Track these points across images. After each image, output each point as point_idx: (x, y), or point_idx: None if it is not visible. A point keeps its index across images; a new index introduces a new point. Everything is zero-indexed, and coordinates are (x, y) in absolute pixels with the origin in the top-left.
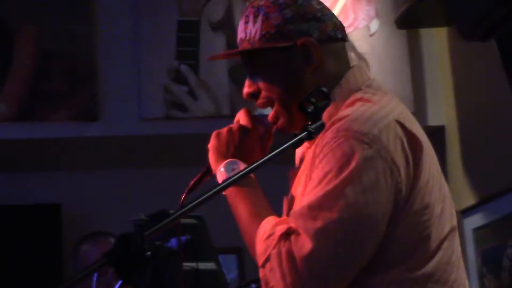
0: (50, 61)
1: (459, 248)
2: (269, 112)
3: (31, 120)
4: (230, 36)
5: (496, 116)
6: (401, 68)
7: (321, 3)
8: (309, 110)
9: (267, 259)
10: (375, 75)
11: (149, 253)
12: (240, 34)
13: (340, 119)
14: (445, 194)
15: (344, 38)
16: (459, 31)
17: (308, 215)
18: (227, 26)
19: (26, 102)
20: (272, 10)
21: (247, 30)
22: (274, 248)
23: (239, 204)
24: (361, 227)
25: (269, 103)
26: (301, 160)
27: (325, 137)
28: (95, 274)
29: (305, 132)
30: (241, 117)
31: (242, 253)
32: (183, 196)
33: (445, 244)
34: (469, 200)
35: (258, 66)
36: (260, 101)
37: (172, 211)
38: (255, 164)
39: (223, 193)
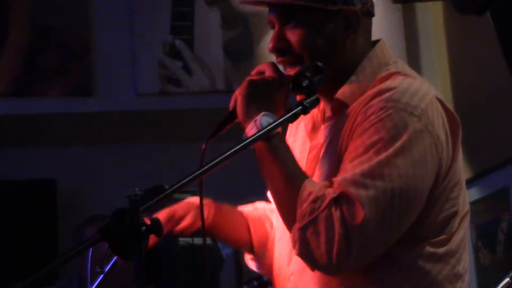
0: (45, 36)
1: None
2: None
3: (26, 96)
4: (225, 11)
5: (491, 90)
6: (396, 43)
7: None
8: (303, 84)
9: (313, 221)
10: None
11: (144, 228)
12: None
13: (386, 91)
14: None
15: (374, 15)
16: (454, 4)
17: (360, 183)
18: (222, 1)
19: (20, 78)
20: None
21: None
22: (323, 211)
23: (275, 161)
24: (408, 198)
25: (299, 61)
26: (312, 129)
27: (370, 107)
28: (90, 250)
29: (300, 107)
30: (268, 70)
31: None
32: (205, 144)
33: (464, 222)
34: (464, 174)
35: (298, 23)
36: (288, 58)
37: (167, 186)
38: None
39: (253, 147)
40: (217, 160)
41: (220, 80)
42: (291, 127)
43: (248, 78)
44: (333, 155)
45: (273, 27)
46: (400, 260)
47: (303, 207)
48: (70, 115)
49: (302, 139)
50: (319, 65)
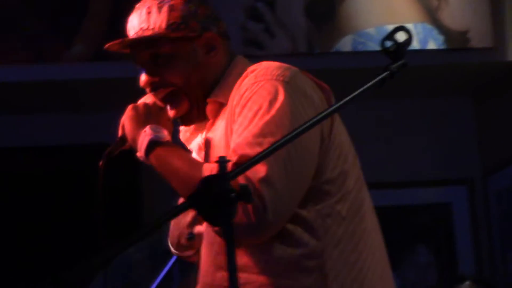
0: (127, 0)
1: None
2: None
3: (107, 60)
4: None
5: None
6: (480, 2)
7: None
8: (391, 49)
9: None
10: (454, 11)
11: (233, 194)
12: (141, 24)
13: (253, 70)
14: (351, 146)
15: (228, 37)
16: None
17: (253, 142)
18: None
19: (102, 42)
20: (177, 3)
21: (150, 20)
22: None
23: (174, 158)
24: (302, 148)
25: (172, 93)
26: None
27: (242, 87)
28: None
29: (387, 72)
30: (150, 99)
31: None
32: (101, 164)
33: (359, 184)
34: None
35: (164, 55)
36: (162, 92)
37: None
38: (321, 115)
39: (150, 160)
40: None
41: (301, 42)
42: None
43: (131, 105)
44: (222, 144)
45: (141, 65)
46: (309, 218)
47: None
48: None
49: None
50: (405, 28)
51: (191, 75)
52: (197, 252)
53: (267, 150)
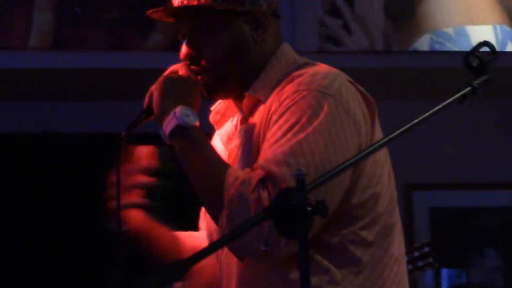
0: None
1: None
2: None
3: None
4: None
5: None
6: None
7: None
8: (474, 64)
9: (243, 205)
10: None
11: (309, 208)
12: None
13: (297, 76)
14: (390, 166)
15: (279, 16)
16: None
17: (283, 161)
18: None
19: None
20: None
21: None
22: (252, 193)
23: (197, 151)
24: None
25: (209, 71)
26: (228, 140)
27: (283, 93)
28: None
29: (469, 87)
30: (182, 70)
31: None
32: (123, 135)
33: (392, 205)
34: None
35: (208, 27)
36: (199, 68)
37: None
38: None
39: (172, 142)
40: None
41: (379, 40)
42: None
43: (163, 76)
44: (252, 150)
45: (182, 37)
46: (332, 244)
47: (231, 192)
48: None
49: (220, 152)
50: (490, 44)
51: (233, 51)
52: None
53: (331, 173)
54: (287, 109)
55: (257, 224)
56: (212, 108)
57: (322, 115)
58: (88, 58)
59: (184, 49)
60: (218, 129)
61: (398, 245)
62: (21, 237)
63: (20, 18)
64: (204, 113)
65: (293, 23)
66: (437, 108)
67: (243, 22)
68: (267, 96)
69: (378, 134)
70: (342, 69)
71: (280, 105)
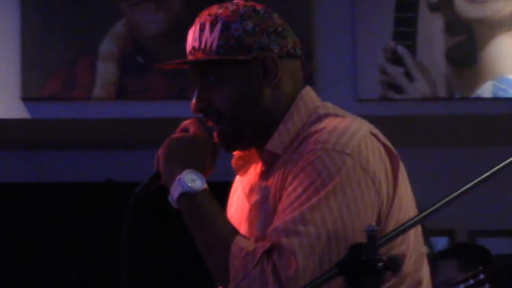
0: None
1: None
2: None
3: None
4: (449, 17)
5: None
6: None
7: (282, 18)
8: None
9: (246, 279)
10: None
11: (380, 264)
12: (194, 43)
13: (314, 133)
14: (416, 213)
15: (301, 56)
16: None
17: (292, 230)
18: (446, 7)
19: None
20: (233, 19)
21: (202, 39)
22: (255, 267)
23: (202, 220)
24: (346, 241)
25: (220, 119)
26: (250, 190)
27: (299, 152)
28: None
29: None
30: (192, 127)
31: (454, 235)
32: (131, 201)
33: (419, 264)
34: None
35: (213, 79)
36: (212, 117)
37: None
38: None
39: (179, 208)
40: None
41: (441, 87)
42: (236, 184)
43: (168, 139)
44: (269, 210)
45: (194, 86)
46: None
47: (235, 265)
48: None
49: (241, 200)
50: None
51: (241, 101)
52: None
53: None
54: (302, 170)
55: (330, 279)
56: (234, 153)
57: (337, 177)
58: (151, 107)
59: (194, 101)
60: (241, 175)
61: None
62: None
63: (84, 69)
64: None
65: (355, 70)
66: (492, 171)
67: (250, 70)
68: (286, 149)
69: (403, 188)
70: (404, 116)
71: (295, 165)
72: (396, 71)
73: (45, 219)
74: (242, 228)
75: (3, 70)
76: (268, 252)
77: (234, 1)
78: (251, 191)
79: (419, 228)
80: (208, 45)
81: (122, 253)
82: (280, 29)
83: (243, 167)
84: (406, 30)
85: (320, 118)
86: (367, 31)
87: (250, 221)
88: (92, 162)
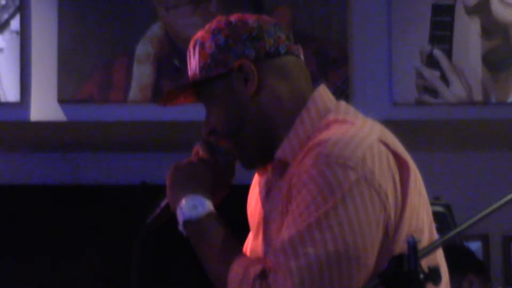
0: (303, 42)
1: None
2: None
3: None
4: (486, 20)
5: None
6: None
7: (261, 20)
8: None
9: None
10: None
11: (422, 275)
12: (189, 72)
13: (318, 144)
14: (431, 221)
15: (291, 51)
16: None
17: (289, 251)
18: (482, 10)
19: None
20: (206, 38)
21: (191, 66)
22: None
23: (204, 245)
24: (348, 261)
25: (223, 138)
26: (266, 195)
27: (303, 165)
28: None
29: None
30: (200, 151)
31: (488, 239)
32: (142, 232)
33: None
34: None
35: (205, 101)
36: (218, 137)
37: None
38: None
39: (186, 233)
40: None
41: (477, 91)
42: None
43: (173, 165)
44: (276, 224)
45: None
46: None
47: None
48: None
49: (259, 200)
50: None
51: (231, 115)
52: None
53: (440, 241)
54: (304, 185)
55: None
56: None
57: (339, 193)
58: (186, 110)
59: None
60: (259, 175)
61: None
62: None
63: (120, 71)
64: None
65: (391, 74)
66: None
67: (231, 83)
68: (296, 156)
69: (414, 197)
70: (440, 121)
71: (299, 180)
72: (432, 75)
73: (79, 221)
74: (258, 230)
75: (40, 73)
76: (262, 274)
77: (216, 18)
78: (266, 196)
79: (435, 236)
80: (193, 71)
81: (132, 278)
82: (254, 33)
83: (264, 174)
84: (442, 33)
85: (327, 126)
86: (403, 35)
87: (263, 230)
88: (127, 164)
